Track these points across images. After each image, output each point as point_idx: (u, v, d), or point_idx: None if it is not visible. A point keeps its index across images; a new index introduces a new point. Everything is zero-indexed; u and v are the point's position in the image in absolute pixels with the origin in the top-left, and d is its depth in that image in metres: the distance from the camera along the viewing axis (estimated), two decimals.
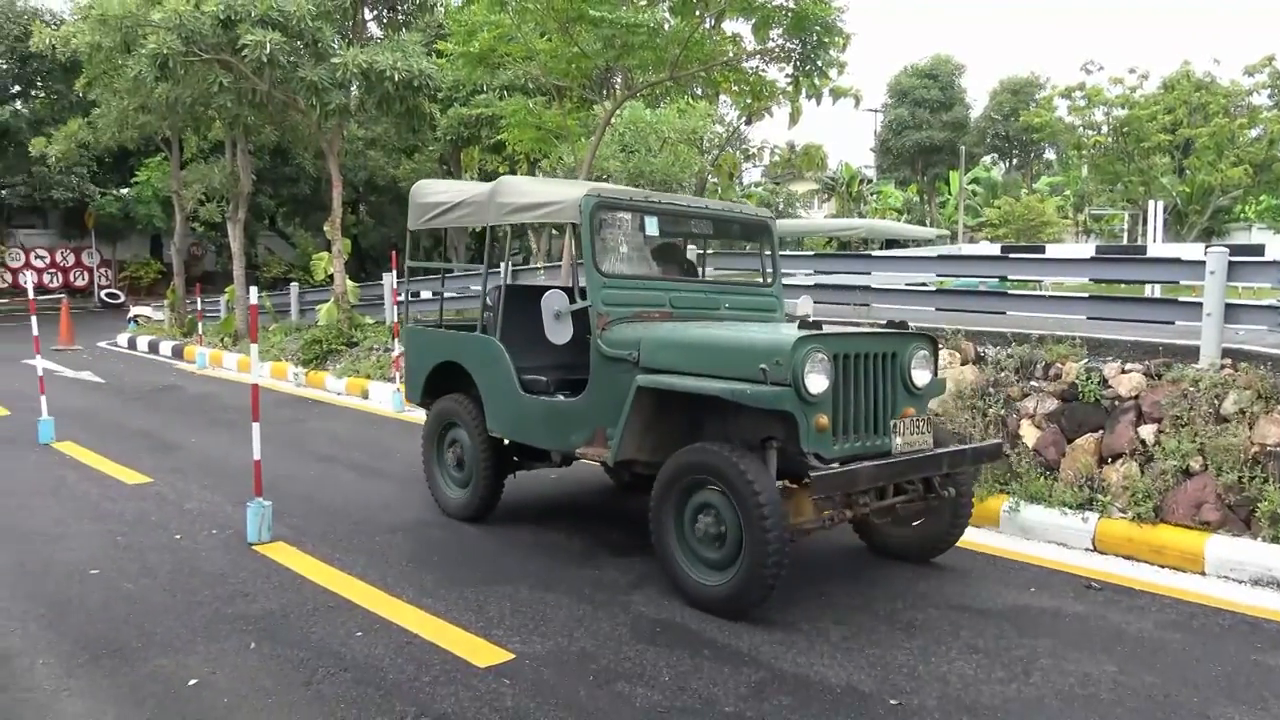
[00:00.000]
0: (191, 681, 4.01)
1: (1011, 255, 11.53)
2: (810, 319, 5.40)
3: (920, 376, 5.25)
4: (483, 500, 6.44)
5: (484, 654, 4.30)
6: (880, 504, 5.22)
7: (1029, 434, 6.86)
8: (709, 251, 7.24)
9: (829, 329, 5.17)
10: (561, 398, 5.86)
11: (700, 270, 7.16)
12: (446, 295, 11.76)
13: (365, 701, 3.84)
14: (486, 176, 28.60)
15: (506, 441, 6.41)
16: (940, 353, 7.16)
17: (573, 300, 5.68)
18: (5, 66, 31.40)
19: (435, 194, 6.94)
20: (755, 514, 4.51)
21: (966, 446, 5.44)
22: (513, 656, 4.28)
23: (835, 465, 4.70)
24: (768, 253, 6.69)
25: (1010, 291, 9.34)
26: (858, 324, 7.33)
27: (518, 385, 6.00)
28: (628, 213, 6.12)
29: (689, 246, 9.15)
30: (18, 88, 32.73)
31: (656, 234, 6.25)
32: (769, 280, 6.64)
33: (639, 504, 6.54)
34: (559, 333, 5.62)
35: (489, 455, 6.33)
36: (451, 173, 23.87)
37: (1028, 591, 5.29)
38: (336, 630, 4.57)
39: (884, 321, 5.72)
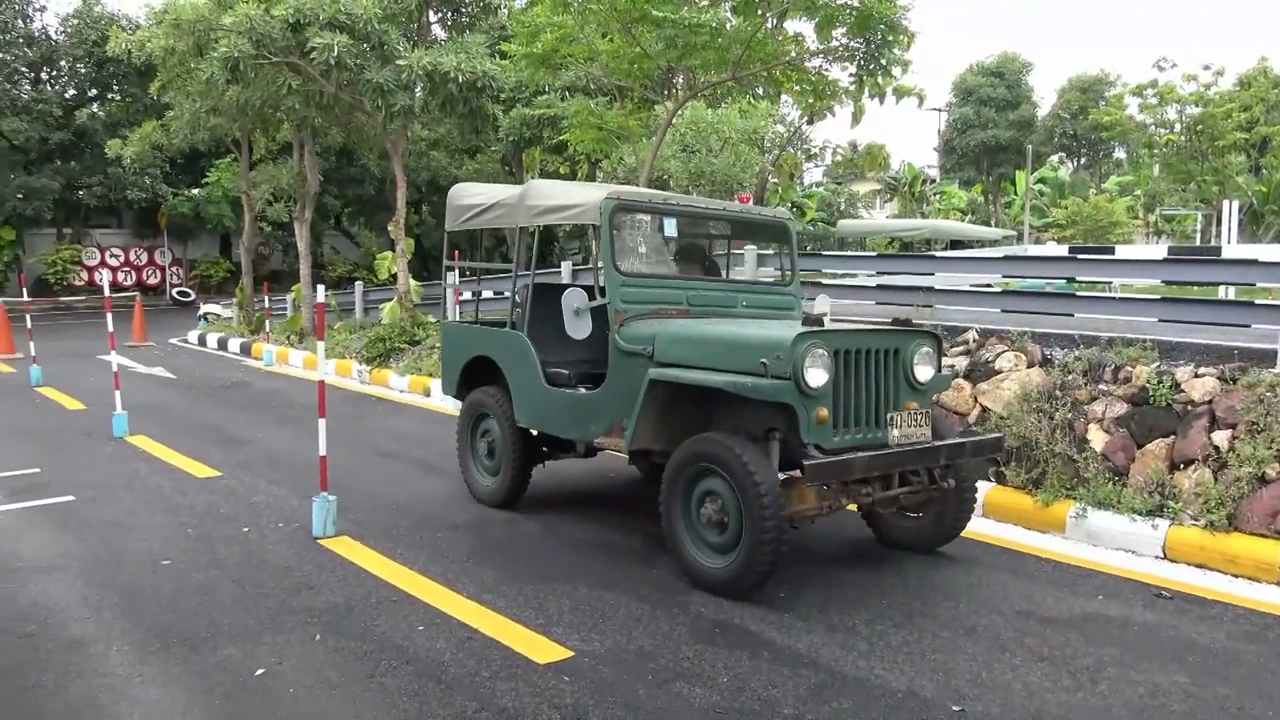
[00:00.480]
0: (259, 671, 4.10)
1: (1080, 256, 11.31)
2: (827, 316, 5.50)
3: (923, 372, 5.43)
4: (511, 488, 6.73)
5: (543, 651, 4.33)
6: (885, 494, 5.40)
7: (1097, 438, 6.71)
8: (772, 252, 7.30)
9: (833, 326, 5.40)
10: (583, 390, 6.14)
11: (727, 270, 7.35)
12: (506, 294, 11.88)
13: (427, 695, 3.89)
14: (547, 177, 28.81)
15: (535, 432, 6.67)
16: (1012, 353, 7.08)
17: (592, 298, 5.99)
18: (84, 71, 32.37)
19: (471, 197, 7.26)
20: (754, 500, 4.75)
21: (965, 439, 5.62)
22: (572, 654, 4.30)
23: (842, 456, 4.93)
24: (786, 253, 6.95)
25: (1078, 293, 9.15)
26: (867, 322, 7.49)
27: (542, 378, 6.30)
28: (646, 214, 6.46)
29: (750, 247, 9.15)
30: (95, 91, 33.71)
31: (675, 235, 6.56)
32: (788, 279, 6.91)
33: None
34: (578, 328, 6.04)
35: (517, 445, 6.62)
36: (513, 173, 24.03)
37: (1095, 599, 5.18)
38: (399, 624, 4.63)
39: (890, 319, 5.89)
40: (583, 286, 6.48)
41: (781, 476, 5.06)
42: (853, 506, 5.74)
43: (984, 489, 6.88)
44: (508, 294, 10.76)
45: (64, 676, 4.03)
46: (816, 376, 4.88)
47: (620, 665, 4.20)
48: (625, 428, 5.64)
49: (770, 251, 9.89)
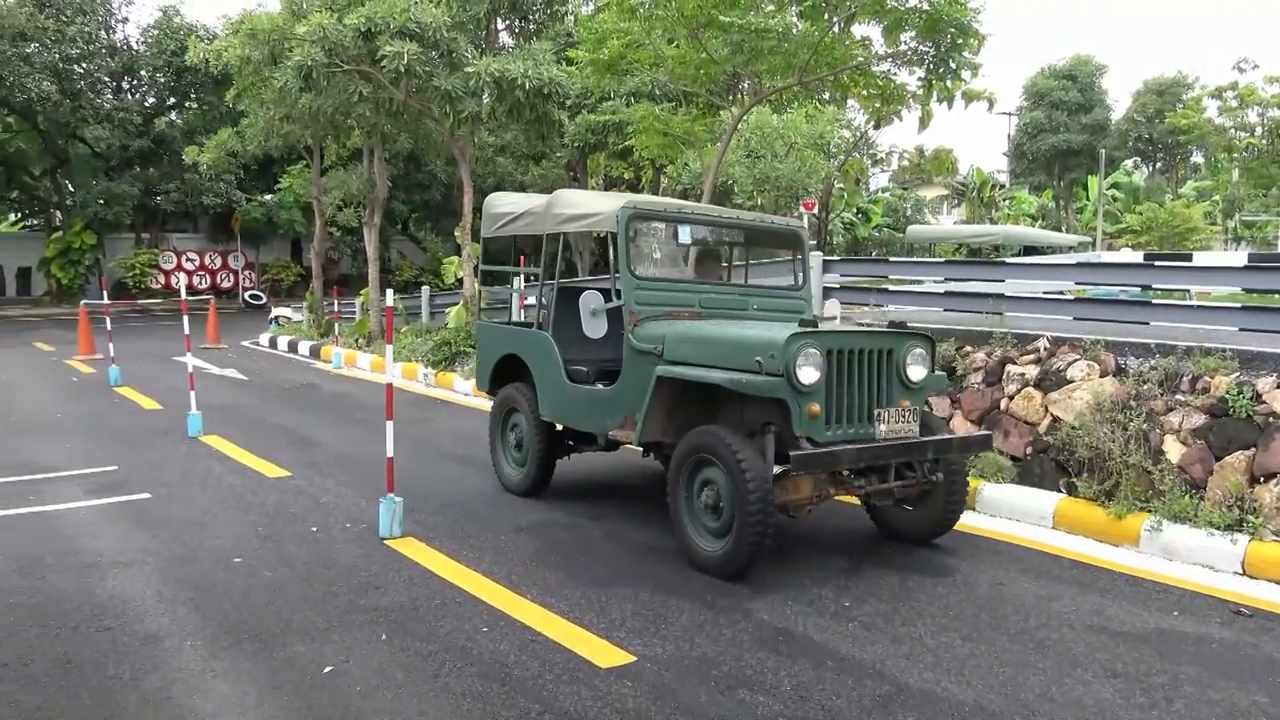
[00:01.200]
0: (326, 669, 4.16)
1: (1156, 263, 11.04)
2: (836, 319, 5.77)
3: (915, 372, 5.73)
4: (536, 478, 7.15)
5: (606, 655, 4.34)
6: (880, 487, 5.72)
7: (1173, 450, 6.54)
8: (839, 259, 7.41)
9: (826, 327, 5.80)
10: (600, 386, 6.53)
11: (746, 275, 7.70)
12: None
13: (490, 696, 3.91)
14: (612, 183, 28.89)
15: (559, 427, 7.06)
16: (1084, 362, 6.95)
17: (608, 300, 6.35)
18: (163, 80, 33.34)
19: (503, 206, 7.75)
20: (743, 487, 5.10)
21: (953, 435, 6.05)
22: (634, 659, 4.30)
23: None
24: (799, 260, 7.26)
25: (1155, 301, 8.91)
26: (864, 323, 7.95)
27: (564, 375, 6.68)
28: (661, 222, 6.88)
29: (816, 254, 9.10)
30: (173, 99, 34.70)
31: (689, 242, 6.99)
32: (799, 284, 7.22)
33: None
34: (595, 328, 6.49)
35: (542, 437, 7.03)
36: (578, 179, 24.16)
37: (1170, 615, 5.04)
38: (463, 625, 4.67)
39: (886, 322, 6.24)
40: (600, 289, 6.89)
41: (779, 469, 5.41)
42: (855, 500, 6.15)
43: (1054, 500, 6.76)
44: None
45: (140, 670, 4.14)
46: (808, 374, 5.23)
47: (682, 671, 4.19)
48: (638, 421, 6.00)
49: (827, 258, 9.90)
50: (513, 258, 10.39)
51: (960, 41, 10.73)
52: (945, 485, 5.92)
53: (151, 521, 6.48)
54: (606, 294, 6.48)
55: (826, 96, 18.37)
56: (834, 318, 6.70)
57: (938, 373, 6.12)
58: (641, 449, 6.87)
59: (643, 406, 5.93)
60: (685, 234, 6.95)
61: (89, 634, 4.53)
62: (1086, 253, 24.64)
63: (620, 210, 6.31)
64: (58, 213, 33.95)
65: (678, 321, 6.22)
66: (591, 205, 6.79)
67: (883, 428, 5.55)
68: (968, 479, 6.14)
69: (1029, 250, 26.08)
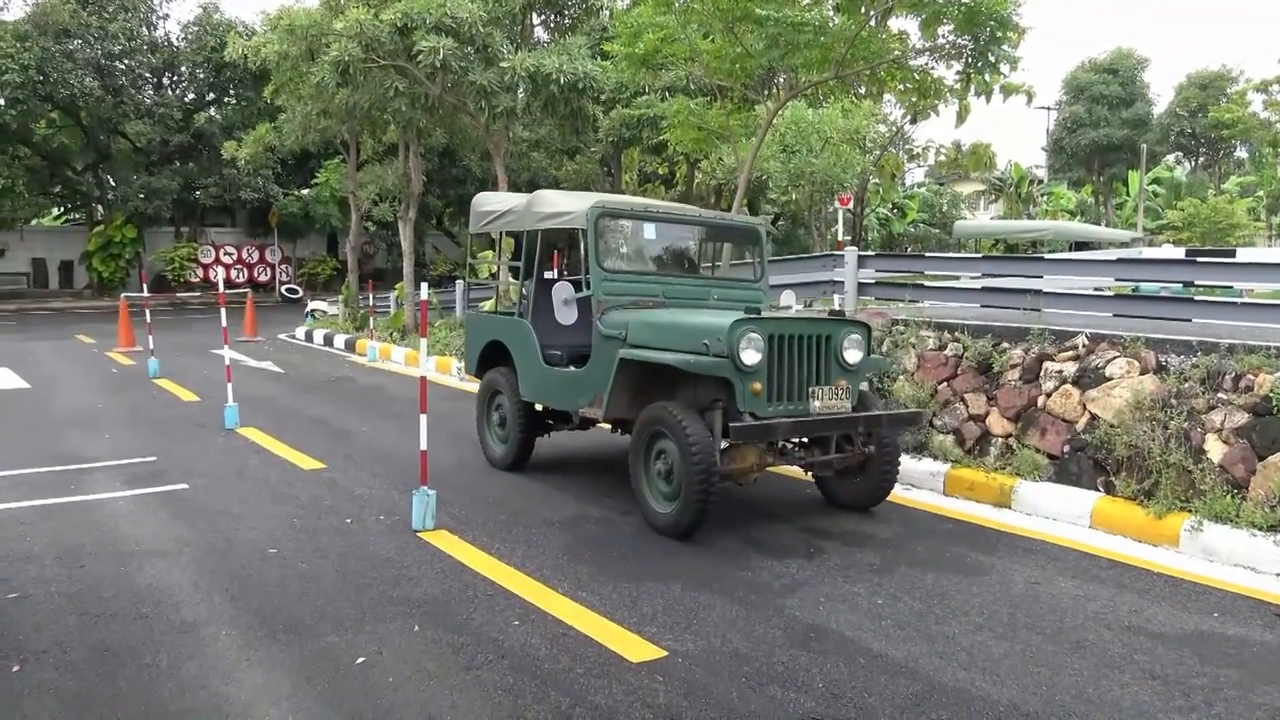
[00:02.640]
0: (360, 660, 4.19)
1: (1199, 260, 10.85)
2: (792, 309, 6.85)
3: (851, 355, 6.31)
4: (517, 455, 7.79)
5: (637, 649, 4.33)
6: (820, 459, 6.45)
7: (1215, 449, 6.43)
8: (873, 254, 7.49)
9: (768, 314, 6.50)
10: (572, 369, 7.14)
11: (713, 268, 8.31)
12: None
13: (522, 690, 3.92)
14: (646, 178, 28.86)
15: (538, 406, 7.66)
16: (1124, 359, 6.85)
17: (579, 290, 6.93)
18: (202, 76, 33.73)
19: (489, 204, 8.39)
20: (688, 454, 5.68)
21: (883, 412, 6.60)
22: (665, 654, 4.29)
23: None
24: (757, 255, 7.81)
25: (1197, 298, 8.76)
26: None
27: (541, 359, 7.31)
28: (629, 220, 7.44)
29: (852, 248, 9.04)
30: (212, 95, 35.08)
31: (654, 238, 7.58)
32: (758, 276, 7.77)
33: (792, 506, 6.50)
34: (566, 315, 7.02)
35: (522, 416, 7.67)
36: (611, 174, 24.16)
37: (1210, 617, 4.96)
38: (495, 618, 4.69)
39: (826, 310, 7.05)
40: (571, 280, 7.28)
41: (727, 443, 6.03)
42: (800, 472, 6.93)
43: (1092, 499, 6.68)
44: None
45: (176, 658, 4.19)
46: (750, 356, 5.80)
47: (713, 667, 4.17)
48: (604, 400, 6.59)
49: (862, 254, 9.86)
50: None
51: (999, 35, 10.62)
52: (878, 457, 6.50)
53: (189, 512, 6.56)
54: (578, 285, 7.02)
55: (863, 91, 18.27)
56: (789, 307, 7.55)
57: (875, 356, 6.81)
58: (610, 425, 7.38)
59: (608, 386, 6.50)
60: (650, 231, 7.49)
61: (127, 622, 4.58)
62: (1138, 248, 24.16)
63: (590, 209, 6.88)
64: (99, 207, 34.44)
65: (641, 309, 6.77)
66: (566, 205, 7.35)
67: (817, 404, 6.11)
68: (899, 452, 6.73)
69: (1079, 246, 25.62)
